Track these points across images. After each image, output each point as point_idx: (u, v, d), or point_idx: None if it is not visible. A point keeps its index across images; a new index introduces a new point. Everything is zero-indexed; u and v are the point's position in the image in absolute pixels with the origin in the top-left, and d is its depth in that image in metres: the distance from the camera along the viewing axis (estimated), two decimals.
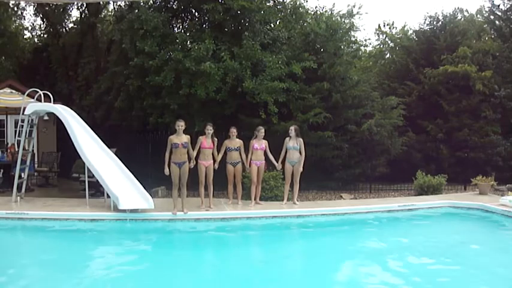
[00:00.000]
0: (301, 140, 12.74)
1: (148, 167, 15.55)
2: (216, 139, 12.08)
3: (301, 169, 12.61)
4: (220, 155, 12.32)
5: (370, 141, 17.49)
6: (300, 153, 12.61)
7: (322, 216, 11.95)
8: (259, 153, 12.54)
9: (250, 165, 12.55)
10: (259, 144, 12.54)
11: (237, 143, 12.46)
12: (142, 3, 16.96)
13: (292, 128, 12.79)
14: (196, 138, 11.97)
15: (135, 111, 18.12)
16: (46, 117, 16.19)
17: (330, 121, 16.87)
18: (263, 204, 12.72)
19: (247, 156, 12.55)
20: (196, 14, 18.60)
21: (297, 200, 12.85)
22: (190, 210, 11.46)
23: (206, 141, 11.91)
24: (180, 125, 11.32)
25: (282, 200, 12.97)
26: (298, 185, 12.81)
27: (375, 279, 7.46)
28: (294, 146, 12.54)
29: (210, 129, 11.94)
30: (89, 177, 12.34)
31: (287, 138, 12.70)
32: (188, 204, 11.57)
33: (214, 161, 12.15)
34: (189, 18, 18.87)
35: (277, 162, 12.71)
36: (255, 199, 12.66)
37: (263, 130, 12.70)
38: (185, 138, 11.32)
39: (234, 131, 12.48)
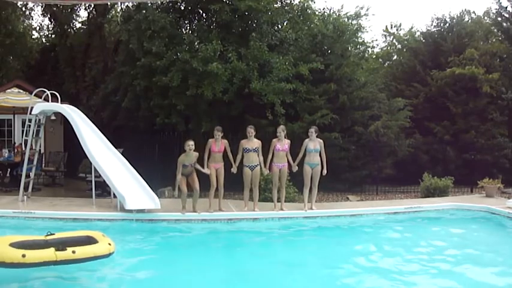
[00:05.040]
0: (321, 141, 12.18)
1: (155, 167, 15.57)
2: (226, 141, 11.68)
3: (325, 172, 12.15)
4: (239, 157, 11.80)
5: (376, 143, 17.48)
6: (321, 155, 12.11)
7: (329, 218, 11.97)
8: (281, 154, 11.85)
9: (271, 168, 12.04)
10: (282, 145, 11.83)
11: (255, 143, 11.75)
12: (150, 4, 16.98)
13: (312, 129, 12.11)
14: (203, 139, 11.81)
15: (142, 111, 18.14)
16: (53, 117, 16.28)
17: (336, 122, 16.89)
18: (286, 210, 12.21)
19: (266, 158, 11.93)
20: (204, 14, 18.63)
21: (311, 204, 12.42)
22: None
23: (216, 145, 11.53)
24: (190, 144, 11.26)
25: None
26: (317, 189, 12.39)
27: (379, 280, 7.49)
28: (315, 148, 11.93)
29: (218, 135, 11.51)
30: (95, 177, 12.40)
31: (307, 140, 12.03)
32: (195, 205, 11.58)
33: (228, 162, 11.80)
34: (197, 18, 18.88)
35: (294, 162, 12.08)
36: (279, 201, 12.22)
37: (285, 129, 12.11)
38: (194, 158, 11.29)
39: (251, 130, 11.73)
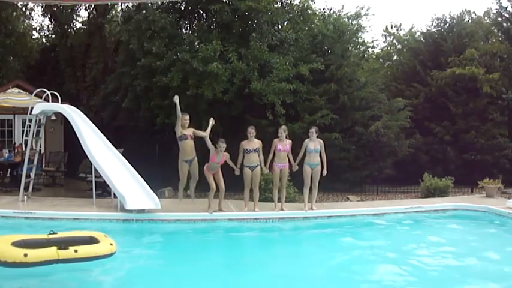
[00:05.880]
0: (321, 141, 12.14)
1: (155, 167, 15.56)
2: (227, 154, 11.49)
3: (325, 172, 12.13)
4: (239, 158, 11.72)
5: (377, 143, 17.48)
6: (321, 156, 12.08)
7: (329, 218, 11.98)
8: (282, 155, 11.79)
9: (272, 168, 11.99)
10: (283, 145, 11.79)
11: (256, 143, 11.69)
12: (150, 4, 16.99)
13: (312, 129, 12.06)
14: (203, 139, 11.72)
15: (142, 111, 18.12)
16: (53, 117, 16.24)
17: (337, 122, 16.89)
18: (286, 210, 12.17)
19: (266, 158, 11.89)
20: (204, 15, 18.64)
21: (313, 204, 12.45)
22: (197, 211, 11.48)
23: (217, 157, 11.34)
24: (186, 118, 11.26)
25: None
26: (317, 190, 12.37)
27: (376, 278, 7.50)
28: (315, 149, 11.89)
29: (222, 147, 11.30)
30: (95, 177, 12.40)
31: (307, 140, 11.99)
32: (195, 206, 11.57)
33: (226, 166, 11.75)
34: (197, 19, 18.90)
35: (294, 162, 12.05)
36: (279, 202, 12.18)
37: (286, 130, 12.07)
38: (191, 131, 11.26)
39: (252, 131, 11.70)
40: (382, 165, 18.21)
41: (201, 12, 18.69)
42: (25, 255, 5.93)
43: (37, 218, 11.01)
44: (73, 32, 28.02)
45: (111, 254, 6.62)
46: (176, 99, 11.15)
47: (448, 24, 22.69)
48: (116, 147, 13.13)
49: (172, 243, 10.13)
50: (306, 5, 18.98)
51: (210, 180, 11.52)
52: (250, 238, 10.71)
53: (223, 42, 16.18)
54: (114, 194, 12.00)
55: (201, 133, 11.41)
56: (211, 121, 11.57)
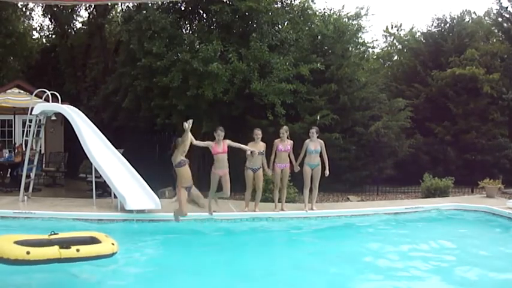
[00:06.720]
0: (322, 142, 12.16)
1: (155, 167, 15.55)
2: (228, 140, 11.10)
3: (327, 173, 12.14)
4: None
5: (377, 143, 17.46)
6: (322, 156, 12.12)
7: (329, 219, 11.98)
8: (283, 155, 11.85)
9: (273, 168, 11.97)
10: (284, 145, 11.82)
11: (262, 146, 11.68)
12: (150, 4, 16.97)
13: (313, 130, 12.07)
14: (203, 140, 11.62)
15: (142, 111, 18.11)
16: (54, 118, 16.26)
17: (337, 123, 16.85)
18: (286, 210, 12.24)
19: (268, 158, 11.88)
20: (204, 15, 18.60)
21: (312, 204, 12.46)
22: (197, 211, 11.46)
23: (218, 147, 11.00)
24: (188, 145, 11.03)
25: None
26: (317, 190, 12.40)
27: (377, 278, 7.51)
28: (316, 149, 11.94)
29: (221, 135, 10.98)
30: (96, 177, 12.40)
31: (307, 141, 12.04)
32: (195, 206, 11.55)
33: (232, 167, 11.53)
34: (197, 19, 18.87)
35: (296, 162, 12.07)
36: (279, 202, 12.20)
37: (288, 130, 12.05)
38: (189, 139, 11.15)
39: (259, 133, 11.69)
40: (382, 165, 18.18)
41: (201, 12, 18.65)
42: (27, 252, 5.97)
43: (37, 218, 11.02)
44: (73, 32, 28.04)
45: (113, 254, 6.64)
46: (189, 124, 9.48)
47: (448, 25, 22.67)
48: (116, 148, 13.15)
49: (172, 244, 10.12)
50: (306, 5, 18.95)
51: (213, 184, 11.19)
52: (251, 238, 10.71)
53: (223, 43, 16.16)
54: (114, 194, 12.01)
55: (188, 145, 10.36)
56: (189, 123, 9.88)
